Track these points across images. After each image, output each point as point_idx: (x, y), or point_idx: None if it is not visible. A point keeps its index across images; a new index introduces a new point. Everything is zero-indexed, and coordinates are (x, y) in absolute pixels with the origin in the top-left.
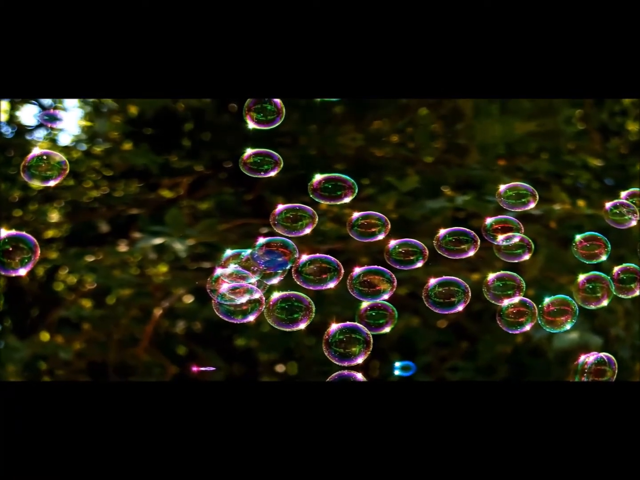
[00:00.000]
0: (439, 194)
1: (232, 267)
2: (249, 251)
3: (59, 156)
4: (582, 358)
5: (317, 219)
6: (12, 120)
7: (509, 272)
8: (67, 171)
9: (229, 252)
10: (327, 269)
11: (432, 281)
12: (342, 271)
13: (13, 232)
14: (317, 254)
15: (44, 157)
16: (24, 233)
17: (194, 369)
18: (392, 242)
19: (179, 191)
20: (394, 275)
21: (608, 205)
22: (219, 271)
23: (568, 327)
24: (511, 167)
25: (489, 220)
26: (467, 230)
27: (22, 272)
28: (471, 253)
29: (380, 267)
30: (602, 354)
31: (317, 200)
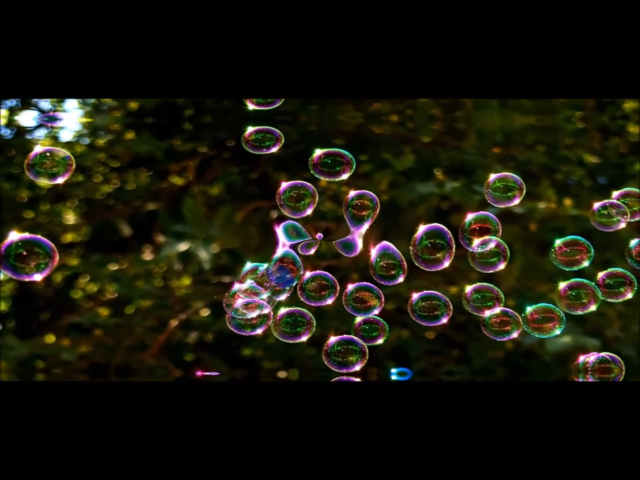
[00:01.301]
0: (431, 176)
1: (248, 283)
2: (265, 265)
3: (63, 152)
4: (581, 358)
5: (317, 198)
6: (10, 123)
7: (485, 284)
8: (74, 166)
9: (248, 266)
10: (325, 286)
11: (415, 296)
12: (338, 288)
13: (27, 235)
14: (318, 271)
15: (48, 154)
16: (39, 237)
17: (198, 373)
18: (373, 255)
19: (188, 176)
20: (381, 292)
21: (596, 205)
22: (236, 286)
23: (558, 332)
24: (506, 155)
25: (469, 218)
26: (444, 230)
27: (38, 277)
28: (446, 264)
29: (369, 283)
30: (604, 354)
31: (317, 176)
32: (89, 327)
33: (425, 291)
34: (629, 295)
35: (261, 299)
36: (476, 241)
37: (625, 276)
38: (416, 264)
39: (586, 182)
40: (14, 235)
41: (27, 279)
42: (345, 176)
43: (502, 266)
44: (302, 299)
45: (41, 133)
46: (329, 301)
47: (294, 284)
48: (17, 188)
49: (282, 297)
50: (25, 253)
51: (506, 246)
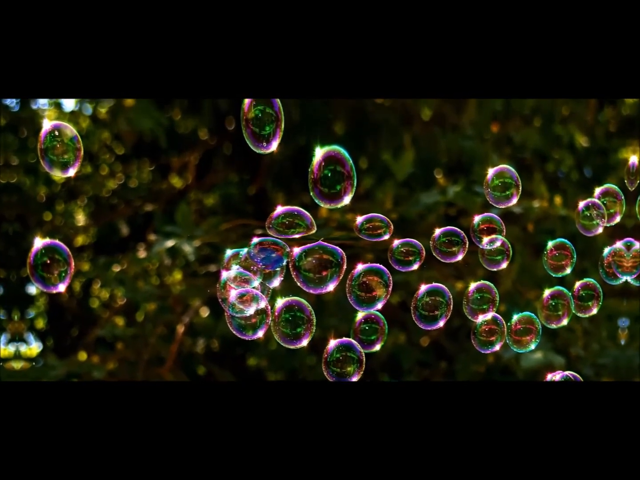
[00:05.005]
0: (432, 182)
1: (234, 269)
2: (245, 250)
3: (70, 129)
4: (549, 376)
5: (314, 229)
6: None
7: (487, 283)
8: (82, 151)
9: (228, 252)
10: (328, 264)
11: (422, 288)
12: (344, 267)
13: (48, 240)
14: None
15: (56, 134)
16: (57, 242)
17: None
18: (396, 242)
19: (188, 178)
20: (390, 278)
21: (581, 205)
22: (224, 275)
23: (533, 347)
24: (502, 137)
25: (476, 220)
26: (458, 230)
27: (62, 287)
28: (460, 257)
29: (381, 265)
30: (567, 373)
31: (317, 201)
32: (111, 340)
33: (433, 284)
34: (594, 311)
35: (254, 288)
36: (485, 239)
37: (595, 289)
38: (434, 254)
39: (574, 175)
40: (38, 242)
41: (54, 291)
42: (347, 199)
43: (504, 264)
44: (298, 284)
45: (44, 100)
46: (331, 286)
47: (283, 263)
48: (37, 184)
49: (276, 282)
50: (48, 261)
51: (510, 245)
